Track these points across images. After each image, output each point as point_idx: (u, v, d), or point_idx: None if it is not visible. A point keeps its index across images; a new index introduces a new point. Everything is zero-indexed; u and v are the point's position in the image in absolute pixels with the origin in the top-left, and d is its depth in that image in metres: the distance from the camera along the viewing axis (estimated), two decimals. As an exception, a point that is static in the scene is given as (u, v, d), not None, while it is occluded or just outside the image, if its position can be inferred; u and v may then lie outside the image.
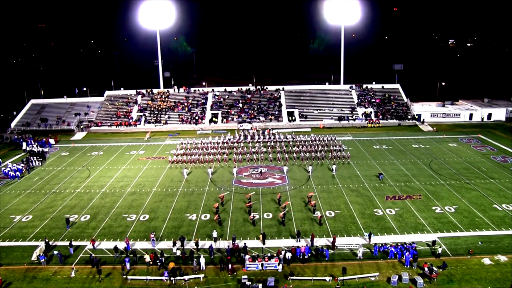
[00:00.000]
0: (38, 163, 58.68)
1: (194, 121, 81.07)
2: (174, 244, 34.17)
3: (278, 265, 31.52)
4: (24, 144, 66.09)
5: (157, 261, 32.23)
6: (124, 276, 30.84)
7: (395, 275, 29.83)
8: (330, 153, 58.62)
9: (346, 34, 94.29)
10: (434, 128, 75.44)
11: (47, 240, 35.50)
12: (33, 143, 66.15)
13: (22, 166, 55.80)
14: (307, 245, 33.71)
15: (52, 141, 69.05)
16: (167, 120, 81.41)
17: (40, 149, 63.46)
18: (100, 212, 42.37)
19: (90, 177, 52.69)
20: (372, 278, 30.22)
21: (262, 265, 31.54)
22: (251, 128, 75.49)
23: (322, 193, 45.88)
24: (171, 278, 30.28)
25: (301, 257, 32.60)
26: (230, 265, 31.12)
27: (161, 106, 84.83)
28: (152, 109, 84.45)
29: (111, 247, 34.72)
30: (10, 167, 54.91)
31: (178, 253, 33.39)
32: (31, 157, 59.35)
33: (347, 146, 63.80)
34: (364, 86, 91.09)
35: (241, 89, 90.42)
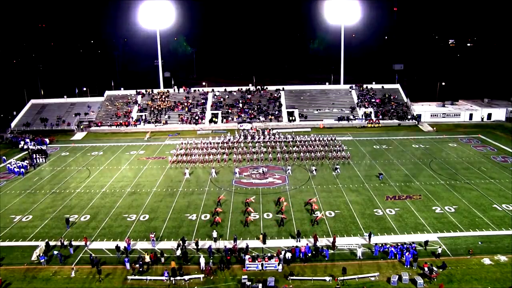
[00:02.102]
0: (42, 160, 59.37)
1: (194, 121, 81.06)
2: (178, 246, 34.06)
3: (278, 265, 31.53)
4: (22, 142, 66.44)
5: (140, 262, 31.72)
6: (133, 275, 30.84)
7: (395, 275, 29.83)
8: (330, 153, 58.62)
9: (346, 34, 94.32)
10: (434, 128, 75.44)
11: (62, 241, 35.53)
12: (29, 142, 66.50)
13: (26, 163, 56.58)
14: (307, 244, 33.72)
15: (46, 140, 69.23)
16: (167, 120, 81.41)
17: (38, 147, 63.98)
18: (100, 212, 42.38)
19: (90, 177, 52.70)
20: (372, 278, 30.23)
21: (262, 265, 31.55)
22: (251, 128, 75.49)
23: (322, 193, 45.88)
24: (171, 278, 30.29)
25: (302, 256, 32.64)
26: (208, 267, 31.06)
27: (161, 106, 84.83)
28: (152, 109, 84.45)
29: (111, 247, 34.78)
30: (15, 164, 55.37)
31: (178, 253, 33.38)
32: (34, 155, 60.09)
33: (347, 146, 63.75)
34: (364, 86, 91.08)
35: (241, 89, 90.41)
